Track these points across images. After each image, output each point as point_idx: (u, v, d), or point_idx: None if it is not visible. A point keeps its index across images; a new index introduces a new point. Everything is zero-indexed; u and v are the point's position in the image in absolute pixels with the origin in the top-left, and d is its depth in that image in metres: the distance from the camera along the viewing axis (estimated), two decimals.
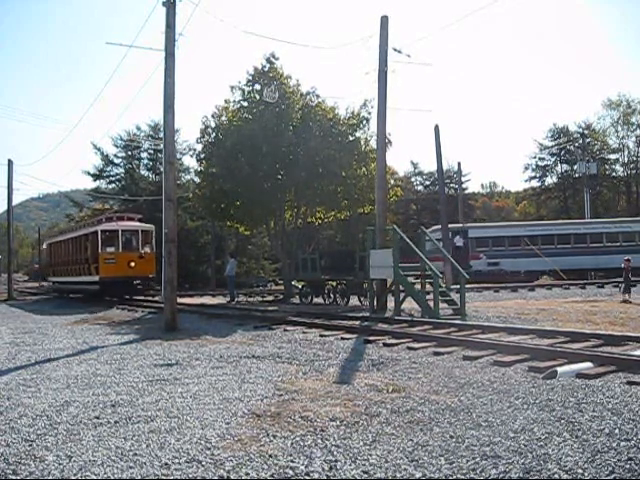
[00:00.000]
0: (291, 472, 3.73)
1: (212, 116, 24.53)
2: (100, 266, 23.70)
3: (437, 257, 31.59)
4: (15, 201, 38.51)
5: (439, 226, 35.85)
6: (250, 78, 23.86)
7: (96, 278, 24.15)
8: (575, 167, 58.23)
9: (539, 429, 4.43)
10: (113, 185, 45.00)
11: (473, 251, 32.27)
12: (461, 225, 34.39)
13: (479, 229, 35.13)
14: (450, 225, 40.08)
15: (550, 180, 65.71)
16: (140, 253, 24.70)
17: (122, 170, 44.56)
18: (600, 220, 36.93)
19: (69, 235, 30.23)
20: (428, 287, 14.80)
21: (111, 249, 24.44)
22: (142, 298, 25.25)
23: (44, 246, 38.84)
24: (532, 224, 37.08)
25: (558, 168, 65.19)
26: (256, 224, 27.56)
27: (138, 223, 26.24)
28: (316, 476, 3.67)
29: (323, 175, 22.57)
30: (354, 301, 19.60)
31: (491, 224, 43.11)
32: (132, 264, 24.02)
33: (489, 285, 26.80)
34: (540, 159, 64.63)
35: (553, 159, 64.59)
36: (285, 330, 12.06)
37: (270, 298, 25.20)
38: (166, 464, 3.94)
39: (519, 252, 31.98)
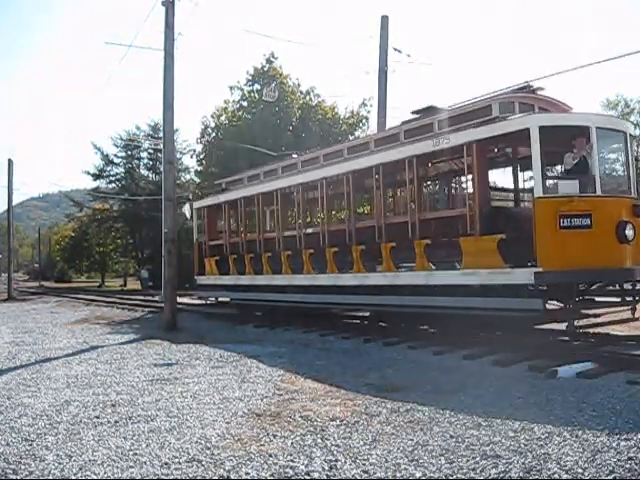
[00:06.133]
0: (291, 472, 3.73)
1: (212, 116, 24.60)
2: None
3: None
4: (15, 201, 38.52)
5: None
6: (250, 78, 23.94)
7: None
8: None
9: (539, 429, 4.43)
10: (113, 185, 45.03)
11: None
12: None
13: None
14: None
15: None
16: None
17: (122, 170, 44.59)
18: None
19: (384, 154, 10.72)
20: None
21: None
22: (141, 297, 24.86)
23: (193, 217, 17.54)
24: None
25: None
26: None
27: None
28: (316, 476, 3.67)
29: None
30: None
31: None
32: None
33: None
34: None
35: None
36: (285, 330, 12.07)
37: None
38: (166, 463, 3.94)
39: None
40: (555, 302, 8.15)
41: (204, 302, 18.25)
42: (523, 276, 8.01)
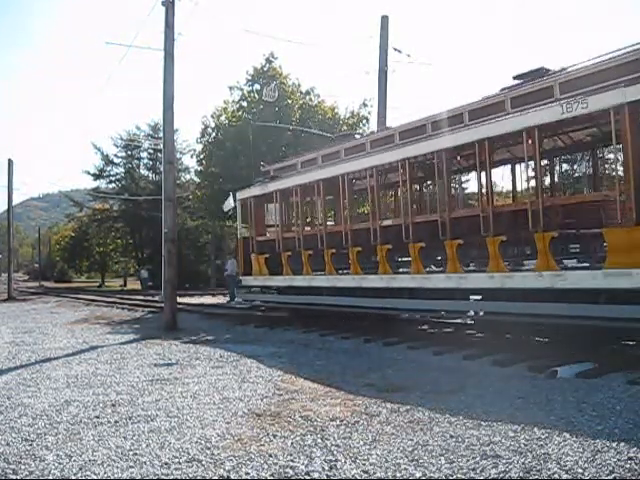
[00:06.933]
0: (291, 472, 3.73)
1: (212, 116, 24.60)
2: None
3: None
4: (15, 201, 38.54)
5: None
6: (250, 78, 23.94)
7: None
8: None
9: (539, 429, 4.43)
10: (113, 185, 45.15)
11: None
12: None
13: None
14: None
15: None
16: None
17: (122, 170, 44.71)
18: None
19: None
20: None
21: None
22: (141, 297, 24.97)
23: (236, 209, 15.49)
24: None
25: None
26: None
27: None
28: (316, 476, 3.67)
29: None
30: None
31: None
32: None
33: None
34: None
35: None
36: (285, 330, 12.07)
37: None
38: (166, 463, 3.94)
39: None
40: None
41: (248, 305, 16.44)
42: None
